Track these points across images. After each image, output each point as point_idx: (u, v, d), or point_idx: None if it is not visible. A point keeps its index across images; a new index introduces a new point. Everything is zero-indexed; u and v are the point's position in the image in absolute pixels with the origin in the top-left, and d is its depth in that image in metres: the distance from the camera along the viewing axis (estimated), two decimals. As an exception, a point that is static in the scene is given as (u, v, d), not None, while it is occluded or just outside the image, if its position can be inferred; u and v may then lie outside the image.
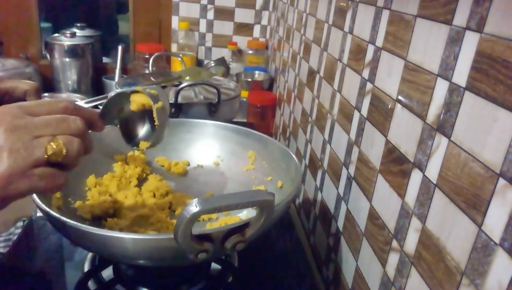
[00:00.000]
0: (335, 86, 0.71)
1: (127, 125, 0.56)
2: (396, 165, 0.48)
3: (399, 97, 0.48)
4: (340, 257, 0.64)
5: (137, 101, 0.54)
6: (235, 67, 1.49)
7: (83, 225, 0.44)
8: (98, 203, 0.62)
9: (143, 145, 0.56)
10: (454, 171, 0.37)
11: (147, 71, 1.32)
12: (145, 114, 0.56)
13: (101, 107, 0.55)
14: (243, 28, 1.54)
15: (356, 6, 0.63)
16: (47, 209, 0.46)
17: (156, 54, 1.14)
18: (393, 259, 0.47)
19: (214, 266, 0.61)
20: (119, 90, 0.58)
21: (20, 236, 0.71)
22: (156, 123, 0.54)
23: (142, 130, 0.57)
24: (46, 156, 0.37)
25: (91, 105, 0.92)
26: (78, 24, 1.54)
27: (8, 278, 0.61)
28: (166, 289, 0.59)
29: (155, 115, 0.53)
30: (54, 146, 0.38)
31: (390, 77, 0.51)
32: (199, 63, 1.57)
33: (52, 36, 1.42)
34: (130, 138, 0.57)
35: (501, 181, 0.31)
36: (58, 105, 0.40)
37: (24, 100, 0.49)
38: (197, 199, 0.38)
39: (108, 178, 0.67)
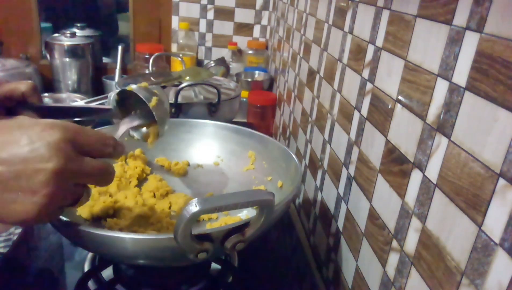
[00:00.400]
0: (335, 86, 0.71)
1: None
2: (396, 165, 0.48)
3: (399, 97, 0.48)
4: (340, 257, 0.64)
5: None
6: (235, 67, 1.49)
7: (83, 225, 0.44)
8: (98, 203, 0.62)
9: (149, 139, 0.57)
10: (454, 171, 0.37)
11: (147, 71, 1.32)
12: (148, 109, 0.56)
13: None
14: (243, 28, 1.54)
15: (356, 6, 0.63)
16: (47, 209, 0.46)
17: (156, 54, 1.14)
18: (393, 259, 0.47)
19: (214, 266, 0.61)
20: (111, 93, 0.59)
21: (20, 236, 0.71)
22: (156, 118, 0.54)
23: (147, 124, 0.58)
24: (73, 206, 0.38)
25: (91, 105, 0.92)
26: (78, 24, 1.54)
27: (8, 278, 0.61)
28: (166, 289, 0.59)
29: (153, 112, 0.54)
30: (85, 201, 0.40)
31: (390, 77, 0.51)
32: (199, 63, 1.57)
33: (52, 36, 1.42)
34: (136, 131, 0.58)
35: (501, 181, 0.31)
36: (106, 144, 0.39)
37: (25, 101, 0.49)
38: (197, 199, 0.38)
39: (108, 178, 0.67)
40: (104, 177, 0.39)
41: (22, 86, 0.50)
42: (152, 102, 0.53)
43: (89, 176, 0.37)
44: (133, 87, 0.55)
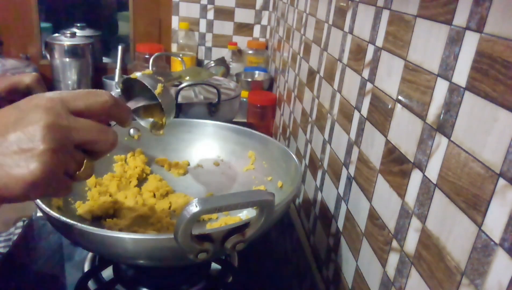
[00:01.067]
0: (335, 86, 0.71)
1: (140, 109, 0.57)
2: (396, 165, 0.48)
3: (399, 97, 0.48)
4: (340, 257, 0.64)
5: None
6: (235, 67, 1.49)
7: (83, 225, 0.44)
8: (98, 203, 0.62)
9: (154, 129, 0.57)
10: (454, 171, 0.37)
11: (147, 71, 1.32)
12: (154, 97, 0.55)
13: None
14: (243, 28, 1.54)
15: (356, 6, 0.63)
16: (47, 209, 0.46)
17: (156, 54, 1.14)
18: (393, 259, 0.47)
19: (214, 266, 0.61)
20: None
21: (20, 236, 0.71)
22: (162, 106, 0.53)
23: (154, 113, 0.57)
24: (76, 175, 0.37)
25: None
26: (78, 24, 1.54)
27: (8, 278, 0.61)
28: (166, 289, 0.59)
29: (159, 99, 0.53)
30: (88, 171, 0.38)
31: (390, 77, 0.51)
32: (199, 63, 1.57)
33: (52, 36, 1.42)
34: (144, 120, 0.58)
35: (501, 181, 0.31)
36: (98, 99, 0.38)
37: (30, 93, 0.49)
38: (197, 199, 0.38)
39: (108, 178, 0.67)
40: (103, 135, 0.37)
41: (27, 79, 0.50)
42: (158, 89, 0.52)
43: (85, 133, 0.36)
44: (137, 74, 0.53)
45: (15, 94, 0.48)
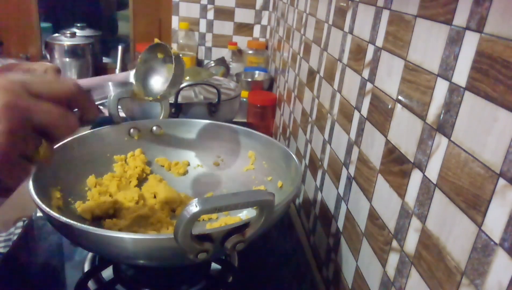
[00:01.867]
0: (335, 86, 0.71)
1: (146, 80, 0.65)
2: (396, 165, 0.48)
3: (399, 97, 0.48)
4: (340, 257, 0.64)
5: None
6: (235, 67, 1.49)
7: (83, 225, 0.44)
8: (98, 203, 0.62)
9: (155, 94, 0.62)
10: (454, 171, 0.37)
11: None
12: (164, 70, 0.63)
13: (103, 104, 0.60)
14: (243, 28, 1.54)
15: (356, 6, 0.63)
16: (47, 209, 0.46)
17: (156, 54, 1.14)
18: (393, 259, 0.47)
19: (214, 266, 0.61)
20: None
21: (20, 236, 0.71)
22: (173, 71, 0.60)
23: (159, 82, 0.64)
24: (34, 156, 0.36)
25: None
26: (78, 24, 1.54)
27: (8, 278, 0.61)
28: (166, 289, 0.59)
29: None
30: (48, 153, 0.37)
31: (390, 77, 0.51)
32: (199, 63, 1.57)
33: (52, 36, 1.42)
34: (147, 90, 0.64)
35: (501, 181, 0.31)
36: (62, 87, 0.38)
37: None
38: (197, 199, 0.38)
39: (108, 178, 0.67)
40: (63, 119, 0.37)
41: (45, 66, 0.50)
42: (174, 51, 0.61)
43: (44, 116, 0.35)
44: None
45: None
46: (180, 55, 0.62)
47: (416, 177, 0.43)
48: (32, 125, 0.35)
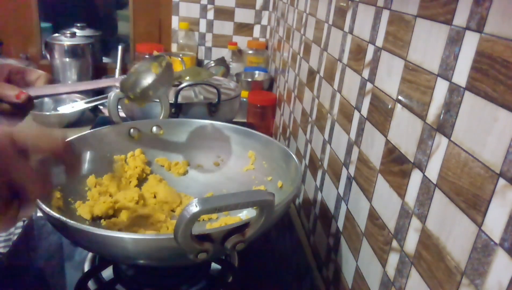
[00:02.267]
0: (335, 86, 0.71)
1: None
2: (396, 165, 0.48)
3: (399, 97, 0.48)
4: (340, 257, 0.64)
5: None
6: (235, 67, 1.49)
7: (83, 225, 0.44)
8: (98, 203, 0.61)
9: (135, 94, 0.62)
10: (454, 171, 0.37)
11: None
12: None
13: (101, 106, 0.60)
14: (243, 28, 1.54)
15: (356, 6, 0.63)
16: (47, 209, 0.46)
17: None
18: (393, 259, 0.47)
19: (214, 266, 0.61)
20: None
21: (20, 236, 0.71)
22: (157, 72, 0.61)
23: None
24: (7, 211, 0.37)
25: (91, 105, 0.92)
26: (78, 24, 1.54)
27: (8, 278, 0.61)
28: (166, 289, 0.59)
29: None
30: (23, 211, 0.38)
31: (390, 77, 0.51)
32: (199, 63, 1.57)
33: (52, 36, 1.42)
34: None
35: (501, 181, 0.31)
36: (48, 142, 0.39)
37: (33, 85, 0.49)
38: (197, 199, 0.38)
39: (108, 178, 0.67)
40: (31, 185, 0.37)
41: (39, 74, 0.50)
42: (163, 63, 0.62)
43: (17, 176, 0.36)
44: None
45: (20, 80, 0.49)
46: (171, 63, 0.63)
47: (416, 177, 0.43)
48: (7, 181, 0.36)
